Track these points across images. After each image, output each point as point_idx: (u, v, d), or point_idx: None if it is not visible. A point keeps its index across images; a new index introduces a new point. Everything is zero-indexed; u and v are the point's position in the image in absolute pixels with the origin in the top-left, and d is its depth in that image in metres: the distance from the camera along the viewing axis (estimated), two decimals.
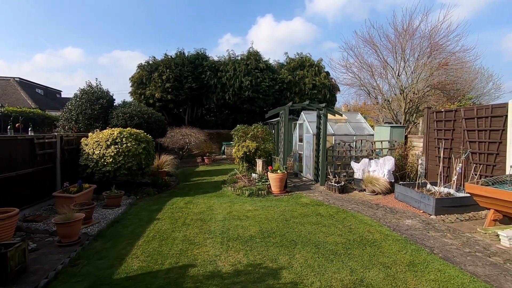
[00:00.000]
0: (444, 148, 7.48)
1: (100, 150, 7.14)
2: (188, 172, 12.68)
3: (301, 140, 11.08)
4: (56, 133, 7.14)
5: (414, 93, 10.66)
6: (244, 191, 7.89)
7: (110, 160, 7.11)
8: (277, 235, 4.76)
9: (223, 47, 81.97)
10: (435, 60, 10.16)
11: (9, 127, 8.13)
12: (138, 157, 7.61)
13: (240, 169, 10.32)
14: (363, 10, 61.28)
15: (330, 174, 8.88)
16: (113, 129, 7.66)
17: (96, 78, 12.86)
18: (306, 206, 6.65)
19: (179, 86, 18.60)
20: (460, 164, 6.82)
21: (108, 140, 7.25)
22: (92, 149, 7.19)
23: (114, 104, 10.95)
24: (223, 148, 19.26)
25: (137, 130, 8.07)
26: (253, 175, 9.28)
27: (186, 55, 20.03)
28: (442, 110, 7.82)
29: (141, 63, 19.60)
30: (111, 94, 10.70)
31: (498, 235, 4.58)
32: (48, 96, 30.51)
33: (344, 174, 9.24)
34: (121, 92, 42.17)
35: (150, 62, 19.39)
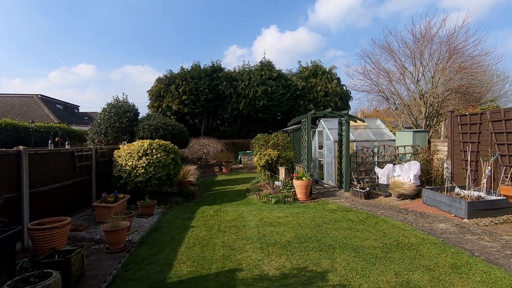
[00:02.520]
0: (470, 152, 7.46)
1: (132, 162, 7.44)
2: (209, 181, 12.91)
3: (321, 147, 11.18)
4: (91, 146, 7.50)
5: (434, 98, 10.66)
6: (270, 199, 8.02)
7: (142, 170, 7.40)
8: (313, 240, 4.86)
9: (229, 58, 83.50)
10: (454, 64, 10.19)
11: (50, 141, 8.57)
12: (167, 167, 7.88)
13: (263, 177, 10.46)
14: (365, 18, 61.71)
15: (355, 180, 8.92)
16: (143, 141, 7.98)
17: (123, 93, 13.51)
18: (335, 212, 6.72)
19: (196, 99, 19.10)
20: (489, 167, 6.79)
21: (139, 152, 7.55)
22: (125, 161, 7.50)
23: (139, 117, 11.37)
24: (239, 157, 19.49)
25: (165, 142, 8.36)
26: (276, 182, 9.41)
27: (202, 67, 20.61)
28: (467, 113, 7.83)
29: (159, 77, 20.30)
30: (136, 108, 11.14)
31: None
32: (68, 111, 31.66)
33: (367, 180, 9.26)
34: (138, 104, 43.26)
35: (168, 76, 20.04)
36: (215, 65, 20.75)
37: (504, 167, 6.66)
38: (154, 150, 7.72)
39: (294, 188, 8.33)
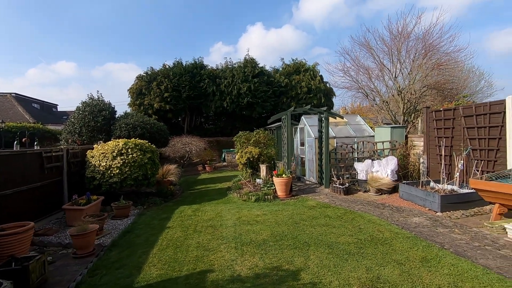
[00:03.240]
0: (445, 146, 7.64)
1: (106, 162, 7.19)
2: (191, 180, 12.71)
3: (302, 144, 11.20)
4: (62, 146, 7.19)
5: (411, 94, 10.89)
6: (250, 197, 7.95)
7: (117, 171, 7.16)
8: (289, 238, 4.83)
9: (214, 55, 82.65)
10: (430, 61, 10.43)
11: (15, 142, 8.15)
12: (143, 167, 7.67)
13: (244, 175, 10.39)
14: (349, 16, 62.58)
15: (334, 176, 8.99)
16: (118, 140, 7.72)
17: (98, 91, 12.98)
18: (314, 209, 6.74)
19: (178, 95, 18.78)
20: (462, 161, 6.98)
21: (114, 152, 7.30)
22: (98, 161, 7.23)
23: (116, 116, 11.02)
24: (223, 155, 19.34)
25: (142, 141, 8.13)
26: (258, 180, 9.35)
27: (184, 64, 20.25)
28: (441, 109, 8.01)
29: (140, 74, 19.81)
30: (112, 106, 10.78)
31: (505, 228, 4.69)
32: (45, 110, 30.46)
33: (347, 175, 9.35)
34: (117, 103, 42.24)
35: (149, 73, 19.58)
36: (197, 62, 20.45)
37: (476, 161, 6.86)
38: (129, 150, 7.49)
39: (274, 186, 8.30)
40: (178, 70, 19.17)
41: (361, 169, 8.52)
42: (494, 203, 5.24)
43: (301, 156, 11.46)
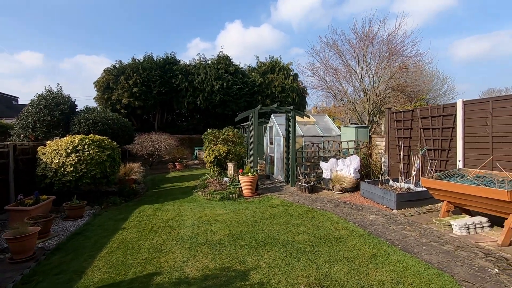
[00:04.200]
0: (403, 146, 7.97)
1: (59, 159, 6.73)
2: (158, 178, 12.33)
3: (271, 143, 11.23)
4: (8, 142, 6.63)
5: (376, 95, 11.27)
6: (215, 195, 7.82)
7: (71, 169, 6.73)
8: (246, 237, 4.77)
9: (192, 51, 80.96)
10: (394, 63, 10.86)
11: None
12: (102, 164, 7.28)
13: (211, 174, 10.23)
14: (326, 18, 63.87)
15: (300, 174, 9.08)
16: (73, 136, 7.27)
17: (58, 83, 12.10)
18: (277, 207, 6.74)
19: (148, 91, 18.14)
20: (418, 161, 7.30)
21: (68, 148, 6.86)
22: (50, 158, 6.76)
23: (77, 110, 10.39)
24: (195, 153, 18.98)
25: (101, 137, 7.72)
26: (225, 179, 9.24)
27: (155, 59, 19.59)
28: (401, 110, 8.33)
29: (107, 67, 18.86)
30: (73, 100, 10.14)
31: (450, 225, 4.94)
32: (2, 103, 28.25)
33: (314, 174, 9.49)
34: (87, 98, 40.22)
35: (117, 66, 18.71)
36: (170, 57, 19.86)
37: (430, 161, 7.21)
38: (86, 146, 7.07)
39: (240, 184, 8.22)
40: (148, 65, 18.50)
41: (326, 167, 8.67)
42: (443, 201, 5.51)
43: (270, 154, 11.48)
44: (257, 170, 8.72)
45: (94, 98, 18.88)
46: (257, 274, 3.51)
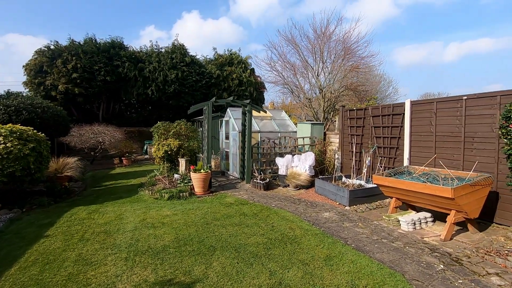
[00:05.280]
0: (356, 143, 8.16)
1: None
2: (100, 175, 11.10)
3: (227, 138, 10.80)
4: None
5: (331, 93, 11.52)
6: (163, 194, 7.17)
7: None
8: (194, 242, 4.31)
9: (145, 39, 75.45)
10: (348, 63, 11.17)
11: None
12: (24, 160, 6.14)
13: (161, 170, 9.46)
14: (283, 16, 64.67)
15: (256, 171, 8.82)
16: None
17: None
18: (230, 206, 6.36)
19: (91, 77, 16.32)
20: (369, 158, 7.50)
21: None
22: None
23: None
24: (145, 148, 17.72)
25: (24, 127, 6.52)
26: (176, 176, 8.57)
27: (98, 42, 17.66)
28: (354, 108, 8.52)
29: (41, 48, 16.44)
30: None
31: (399, 221, 5.07)
32: None
33: (270, 170, 9.31)
34: (19, 83, 35.10)
35: (51, 47, 16.43)
36: (116, 41, 18.07)
37: (380, 158, 7.46)
38: (1, 138, 5.88)
39: (192, 182, 7.67)
40: (90, 49, 16.58)
41: (282, 164, 8.53)
42: (391, 197, 5.66)
43: (226, 150, 11.05)
44: (210, 167, 8.23)
45: (24, 83, 16.41)
46: (204, 286, 3.10)
